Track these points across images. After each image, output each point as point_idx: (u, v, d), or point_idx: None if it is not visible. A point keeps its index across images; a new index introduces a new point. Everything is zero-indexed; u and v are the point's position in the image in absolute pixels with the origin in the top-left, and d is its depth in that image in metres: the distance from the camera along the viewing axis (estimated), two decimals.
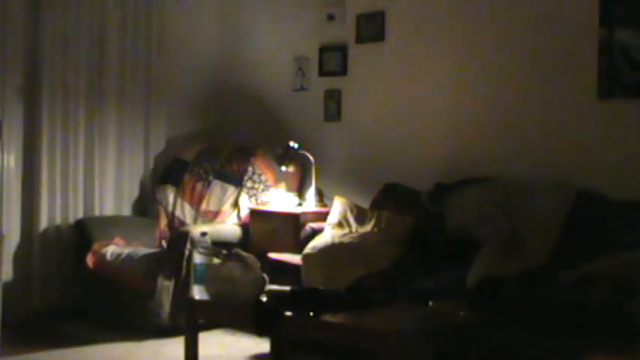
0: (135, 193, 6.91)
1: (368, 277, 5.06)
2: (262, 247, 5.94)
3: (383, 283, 4.95)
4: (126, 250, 6.10)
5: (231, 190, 6.61)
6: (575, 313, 4.07)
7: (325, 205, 6.30)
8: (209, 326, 5.49)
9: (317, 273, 5.34)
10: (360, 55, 6.49)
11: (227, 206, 6.57)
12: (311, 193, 6.41)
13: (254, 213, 6.38)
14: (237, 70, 7.40)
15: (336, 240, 5.52)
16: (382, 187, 5.92)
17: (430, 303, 4.18)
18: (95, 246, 6.17)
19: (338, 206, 5.88)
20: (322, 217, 5.99)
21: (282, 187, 6.58)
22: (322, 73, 6.73)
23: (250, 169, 6.62)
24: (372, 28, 6.37)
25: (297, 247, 5.75)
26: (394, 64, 6.27)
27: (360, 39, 6.47)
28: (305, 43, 6.85)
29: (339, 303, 4.24)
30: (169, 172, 6.92)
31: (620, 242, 4.54)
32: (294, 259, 5.61)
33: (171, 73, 7.06)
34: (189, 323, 4.65)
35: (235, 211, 6.54)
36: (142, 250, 6.13)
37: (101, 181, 6.68)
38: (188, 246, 5.69)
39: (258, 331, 4.40)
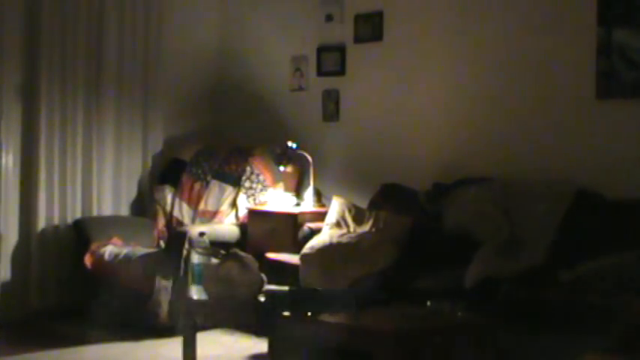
0: (133, 193, 6.91)
1: (366, 277, 5.06)
2: (260, 247, 5.93)
3: (381, 283, 4.95)
4: (124, 250, 6.10)
5: (230, 190, 6.61)
6: (574, 313, 4.07)
7: (323, 205, 6.30)
8: (207, 326, 5.49)
9: (315, 273, 5.34)
10: (358, 55, 6.49)
11: (225, 206, 6.57)
12: (309, 193, 6.41)
13: (252, 213, 6.38)
14: (235, 70, 7.40)
15: (334, 240, 5.52)
16: (380, 187, 5.93)
17: (428, 303, 4.18)
18: (93, 246, 6.17)
19: (336, 206, 5.87)
20: (320, 217, 5.99)
21: (280, 187, 6.58)
22: (320, 73, 6.73)
23: (248, 169, 6.62)
24: (370, 28, 6.37)
25: (296, 247, 5.75)
26: (392, 64, 6.27)
27: (358, 39, 6.46)
28: (303, 43, 6.85)
29: (337, 303, 4.24)
30: (167, 172, 6.92)
31: (618, 242, 4.54)
32: (293, 259, 5.60)
33: (170, 73, 7.06)
34: (188, 323, 4.66)
35: (233, 211, 6.54)
36: (140, 250, 6.12)
37: (99, 181, 6.68)
38: (186, 246, 5.69)
39: (257, 331, 4.41)
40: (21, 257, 6.30)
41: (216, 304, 4.52)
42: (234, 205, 6.56)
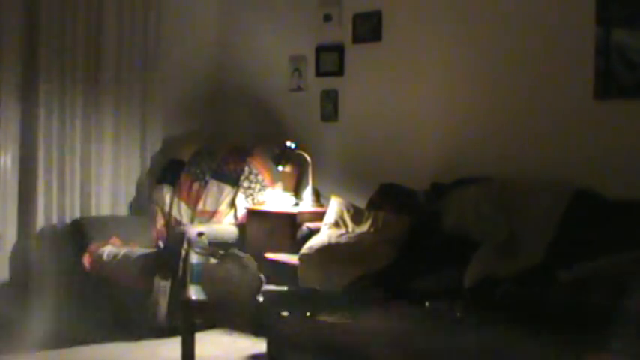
0: (131, 193, 6.91)
1: (365, 277, 5.06)
2: (259, 247, 5.93)
3: (380, 283, 4.96)
4: (122, 250, 6.10)
5: (228, 190, 6.61)
6: (572, 313, 4.07)
7: (322, 205, 6.30)
8: (206, 326, 5.49)
9: (314, 273, 5.34)
10: (356, 56, 6.49)
11: (224, 206, 6.58)
12: (308, 193, 6.41)
13: (251, 213, 6.38)
14: (233, 70, 7.40)
15: (333, 240, 5.52)
16: (379, 187, 5.93)
17: (427, 303, 4.18)
18: (92, 246, 6.17)
19: (335, 206, 5.88)
20: (319, 217, 5.99)
21: (278, 187, 6.59)
22: (319, 73, 6.73)
23: (247, 169, 6.62)
24: (368, 28, 6.37)
25: (294, 247, 5.75)
26: (391, 64, 6.27)
27: (356, 39, 6.46)
28: (302, 43, 6.85)
29: (335, 303, 4.24)
30: (166, 172, 6.92)
31: (617, 242, 4.54)
32: (291, 259, 5.61)
33: (168, 72, 7.06)
34: (186, 323, 4.66)
35: (232, 211, 6.54)
36: (139, 250, 6.12)
37: (98, 181, 6.68)
38: (185, 246, 5.68)
39: (255, 331, 4.41)
40: (19, 257, 6.31)
41: (215, 304, 4.52)
42: (232, 205, 6.56)
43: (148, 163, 6.99)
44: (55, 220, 6.46)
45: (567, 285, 4.34)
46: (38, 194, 6.35)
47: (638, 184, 4.86)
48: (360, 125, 6.48)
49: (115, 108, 6.76)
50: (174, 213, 6.72)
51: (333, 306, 4.18)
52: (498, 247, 4.90)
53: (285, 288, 4.52)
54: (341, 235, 5.60)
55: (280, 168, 6.50)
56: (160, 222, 6.71)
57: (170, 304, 5.73)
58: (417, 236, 5.42)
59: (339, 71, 6.58)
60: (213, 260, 4.74)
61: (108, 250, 6.12)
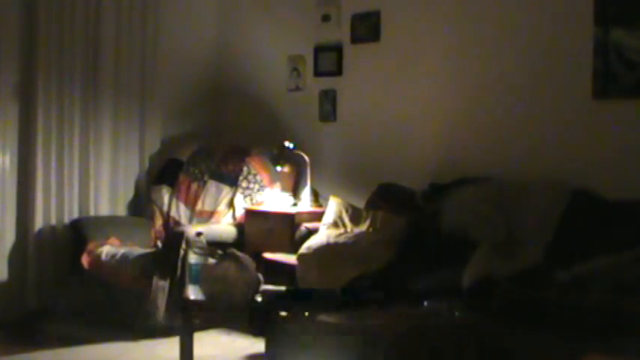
0: (130, 193, 6.91)
1: (363, 277, 5.06)
2: (257, 247, 5.94)
3: (378, 283, 4.96)
4: (121, 250, 6.10)
5: (227, 190, 6.61)
6: (571, 313, 4.08)
7: (320, 205, 6.31)
8: (204, 326, 5.47)
9: (312, 273, 5.34)
10: (355, 56, 6.49)
11: (222, 206, 6.58)
12: (306, 193, 6.41)
13: (249, 213, 6.38)
14: (232, 70, 7.40)
15: (331, 240, 5.52)
16: (377, 187, 5.93)
17: (425, 303, 4.18)
18: (90, 246, 6.16)
19: (333, 206, 5.88)
20: (317, 217, 5.99)
21: (277, 187, 6.58)
22: (317, 73, 6.73)
23: (245, 169, 6.62)
24: (367, 28, 6.37)
25: (292, 247, 5.75)
26: (389, 64, 6.27)
27: (355, 39, 6.47)
28: (300, 43, 6.85)
29: (334, 303, 4.24)
30: (164, 172, 6.92)
31: (615, 242, 4.54)
32: (290, 259, 5.61)
33: (166, 73, 7.06)
34: (185, 323, 4.66)
35: (230, 211, 6.54)
36: (137, 250, 6.12)
37: (96, 181, 6.67)
38: (183, 246, 5.67)
39: (253, 331, 4.41)
40: (18, 257, 6.30)
41: (214, 304, 4.52)
42: (231, 205, 6.56)
43: (147, 163, 6.98)
44: (53, 220, 6.45)
45: (566, 285, 4.34)
46: (37, 194, 6.34)
47: (636, 184, 4.86)
48: (358, 125, 6.48)
49: (113, 108, 6.76)
50: (173, 213, 6.72)
51: (332, 306, 4.17)
52: (497, 248, 4.90)
53: (283, 288, 4.52)
54: (339, 235, 5.60)
55: (279, 168, 6.50)
56: (159, 222, 6.71)
57: (169, 304, 5.72)
58: (415, 236, 5.43)
59: (338, 71, 6.58)
60: (211, 260, 4.75)
61: (106, 250, 6.12)
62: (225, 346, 5.53)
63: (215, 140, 7.23)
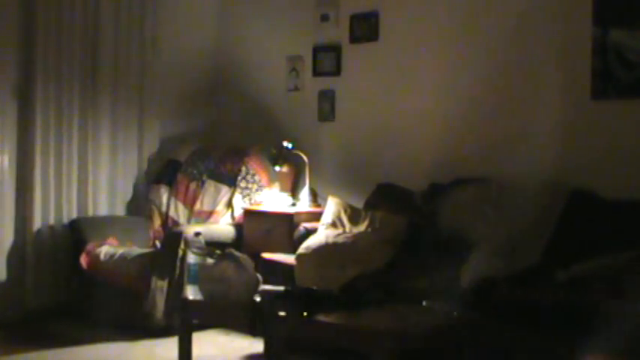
0: (128, 193, 6.91)
1: (362, 277, 5.06)
2: (256, 247, 5.94)
3: (377, 283, 4.96)
4: (120, 250, 6.10)
5: (225, 190, 6.61)
6: (569, 313, 4.08)
7: (319, 205, 6.31)
8: (203, 326, 5.49)
9: (311, 273, 5.34)
10: (353, 56, 6.49)
11: (221, 206, 6.57)
12: (305, 193, 6.41)
13: (248, 213, 6.38)
14: (230, 71, 7.40)
15: (330, 240, 5.52)
16: (376, 187, 5.93)
17: (424, 303, 4.18)
18: (89, 246, 6.16)
19: (332, 206, 5.88)
20: (316, 217, 5.99)
21: (275, 187, 6.58)
22: (316, 73, 6.73)
23: (244, 169, 6.62)
24: (365, 28, 6.37)
25: (291, 247, 5.75)
26: (388, 64, 6.27)
27: (353, 39, 6.47)
28: (299, 44, 6.85)
29: (332, 303, 4.24)
30: (163, 172, 6.92)
31: (614, 242, 4.54)
32: (288, 259, 5.61)
33: (165, 73, 7.06)
34: (183, 323, 4.66)
35: (229, 211, 6.54)
36: (136, 250, 6.12)
37: (95, 181, 6.67)
38: (182, 246, 5.68)
39: (252, 331, 4.41)
40: (16, 257, 6.29)
41: (212, 304, 4.52)
42: (229, 205, 6.56)
43: (145, 163, 6.98)
44: (52, 220, 6.45)
45: (565, 285, 4.34)
46: (35, 194, 6.33)
47: (635, 184, 4.87)
48: (357, 125, 6.48)
49: (112, 108, 6.75)
50: (172, 213, 6.72)
51: (330, 306, 4.17)
52: (495, 248, 4.90)
53: (282, 288, 4.51)
54: (338, 235, 5.59)
55: (277, 168, 6.50)
56: (157, 222, 6.71)
57: (167, 304, 5.73)
58: (414, 236, 5.43)
59: (336, 71, 6.58)
60: (210, 260, 4.74)
61: (105, 250, 6.12)
62: (223, 346, 5.53)
63: (214, 140, 7.23)
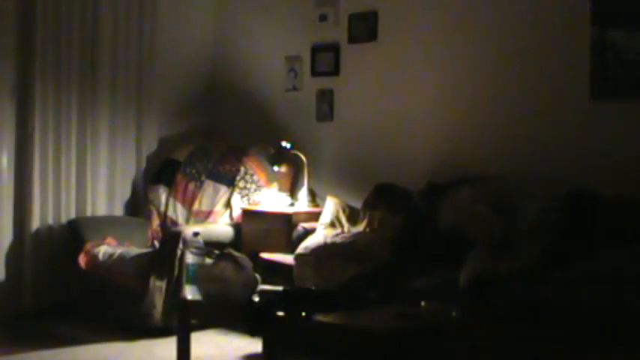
0: (127, 193, 6.91)
1: (360, 277, 5.06)
2: (254, 247, 5.94)
3: (375, 282, 4.96)
4: (118, 250, 6.10)
5: (224, 190, 6.61)
6: (569, 312, 4.08)
7: (317, 205, 6.31)
8: (201, 326, 5.49)
9: (309, 273, 5.35)
10: (352, 55, 6.49)
11: (219, 206, 6.57)
12: (303, 193, 6.41)
13: (246, 213, 6.38)
14: (229, 70, 7.40)
15: (329, 240, 5.52)
16: (374, 187, 5.92)
17: (422, 303, 4.18)
18: (87, 246, 6.16)
19: (330, 206, 5.88)
20: (314, 217, 5.99)
21: (274, 187, 6.58)
22: (314, 73, 6.73)
23: (243, 169, 6.62)
24: (364, 28, 6.38)
25: (290, 247, 5.76)
26: (387, 64, 6.27)
27: (352, 39, 6.47)
28: (297, 43, 6.85)
29: (331, 303, 4.24)
30: (161, 172, 6.91)
31: (613, 242, 4.55)
32: (287, 259, 5.61)
33: (164, 73, 7.06)
34: (182, 323, 4.65)
35: (227, 211, 6.54)
36: (135, 250, 6.12)
37: (93, 181, 6.67)
38: (180, 246, 5.68)
39: (251, 331, 4.41)
40: (15, 257, 6.29)
41: (211, 304, 4.51)
42: (228, 205, 6.56)
43: (144, 163, 6.98)
44: (50, 220, 6.45)
45: (563, 285, 4.34)
46: (34, 194, 6.33)
47: (633, 184, 4.87)
48: (355, 125, 6.48)
49: (110, 108, 6.75)
50: (170, 213, 6.71)
51: (329, 306, 4.17)
52: (494, 247, 4.90)
53: (280, 288, 4.51)
54: (336, 235, 5.60)
55: (276, 168, 6.50)
56: (156, 222, 6.70)
57: (166, 304, 5.73)
58: (412, 236, 5.43)
59: (335, 71, 6.58)
60: (208, 260, 4.74)
61: (103, 250, 6.12)
62: (222, 346, 5.53)
63: (212, 140, 7.22)
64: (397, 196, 5.77)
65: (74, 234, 6.31)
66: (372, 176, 6.07)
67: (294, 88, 6.89)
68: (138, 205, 6.90)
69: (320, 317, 4.05)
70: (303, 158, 6.45)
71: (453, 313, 4.10)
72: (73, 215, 6.54)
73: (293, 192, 6.58)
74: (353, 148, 6.49)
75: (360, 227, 5.66)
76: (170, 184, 6.80)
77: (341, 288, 4.83)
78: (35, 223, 6.36)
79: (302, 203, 6.38)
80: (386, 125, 6.27)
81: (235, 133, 7.25)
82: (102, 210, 6.73)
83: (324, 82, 6.64)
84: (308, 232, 5.76)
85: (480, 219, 5.15)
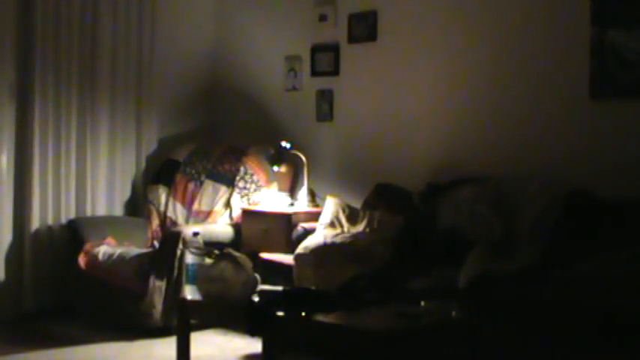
0: (127, 193, 6.91)
1: (360, 277, 5.05)
2: (254, 247, 5.94)
3: (375, 283, 4.95)
4: (118, 250, 6.10)
5: (223, 190, 6.61)
6: (568, 313, 4.08)
7: (317, 205, 6.30)
8: (201, 326, 5.49)
9: (309, 273, 5.35)
10: (352, 55, 6.49)
11: (219, 206, 6.57)
12: (303, 193, 6.41)
13: (246, 213, 6.38)
14: (229, 70, 7.40)
15: (328, 240, 5.52)
16: (374, 187, 5.92)
17: (422, 303, 4.18)
18: (87, 246, 6.16)
19: (330, 206, 5.88)
20: (314, 217, 5.99)
21: (274, 187, 6.58)
22: (314, 73, 6.73)
23: (242, 169, 6.62)
24: (364, 28, 6.37)
25: (289, 247, 5.75)
26: (386, 64, 6.27)
27: (352, 39, 6.46)
28: (297, 43, 6.85)
29: (331, 303, 4.24)
30: (161, 172, 6.91)
31: (612, 242, 4.54)
32: (286, 259, 5.61)
33: (164, 72, 7.06)
34: (181, 323, 4.65)
35: (227, 211, 6.53)
36: (134, 251, 6.12)
37: (93, 181, 6.67)
38: (180, 246, 5.69)
39: (250, 331, 4.40)
40: (15, 257, 6.30)
41: (210, 304, 4.51)
42: (228, 205, 6.56)
43: (144, 163, 6.98)
44: (50, 220, 6.45)
45: (563, 285, 4.34)
46: (33, 194, 6.33)
47: (633, 184, 4.86)
48: (355, 125, 6.48)
49: (110, 108, 6.76)
50: (170, 213, 6.71)
51: (328, 306, 4.17)
52: (493, 247, 4.90)
53: (280, 288, 4.51)
54: (336, 235, 5.60)
55: (276, 168, 6.50)
56: (156, 222, 6.70)
57: (165, 304, 5.73)
58: (412, 236, 5.42)
59: (335, 71, 6.58)
60: (208, 260, 4.74)
61: (103, 250, 6.12)
62: (222, 346, 5.53)
63: (212, 140, 7.23)
64: (397, 196, 5.78)
65: (74, 234, 6.31)
66: (372, 176, 6.07)
67: (294, 88, 6.89)
68: (138, 205, 6.90)
69: (320, 317, 4.05)
70: (303, 158, 6.45)
71: (453, 313, 4.10)
72: (72, 215, 6.54)
73: (293, 192, 6.58)
74: (353, 148, 6.49)
75: (359, 227, 5.66)
76: (170, 184, 6.80)
77: (341, 288, 4.82)
78: (35, 224, 6.36)
79: (302, 203, 6.38)
80: (386, 125, 6.27)
81: (235, 133, 7.25)
82: (102, 210, 6.73)
83: (324, 82, 6.64)
84: (308, 232, 5.76)
85: (480, 219, 5.14)
